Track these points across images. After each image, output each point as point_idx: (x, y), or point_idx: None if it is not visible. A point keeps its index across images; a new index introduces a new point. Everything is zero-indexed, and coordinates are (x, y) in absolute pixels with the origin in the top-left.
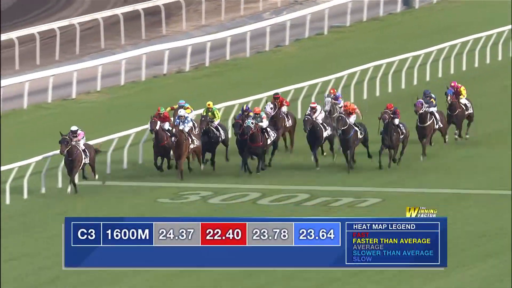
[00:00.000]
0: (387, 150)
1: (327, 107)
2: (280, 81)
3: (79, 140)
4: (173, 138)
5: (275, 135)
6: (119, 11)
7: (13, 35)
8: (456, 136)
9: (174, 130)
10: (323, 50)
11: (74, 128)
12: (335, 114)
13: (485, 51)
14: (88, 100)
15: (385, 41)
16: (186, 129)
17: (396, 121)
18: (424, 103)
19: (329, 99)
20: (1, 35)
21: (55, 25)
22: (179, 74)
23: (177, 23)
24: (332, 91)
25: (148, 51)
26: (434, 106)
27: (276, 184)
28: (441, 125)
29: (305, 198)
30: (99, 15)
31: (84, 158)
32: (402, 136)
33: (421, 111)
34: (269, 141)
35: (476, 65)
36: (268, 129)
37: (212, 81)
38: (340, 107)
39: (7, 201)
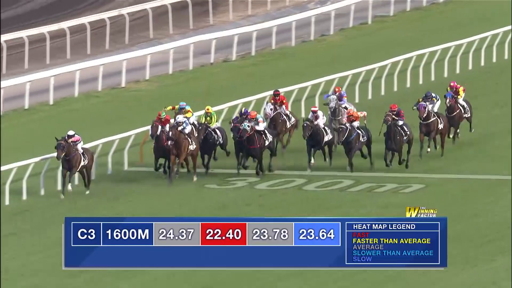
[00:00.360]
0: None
1: (332, 104)
2: (325, 70)
3: (75, 146)
4: (169, 142)
5: (271, 138)
6: (168, 1)
7: (64, 25)
8: (451, 137)
9: (170, 133)
10: (367, 40)
11: (70, 132)
12: (339, 117)
13: None
14: (137, 89)
15: (428, 30)
16: (186, 132)
17: (400, 122)
18: (426, 107)
19: (334, 96)
20: (51, 25)
21: (105, 15)
22: (225, 63)
23: (224, 13)
24: (337, 89)
25: (196, 41)
26: (436, 105)
27: (322, 170)
28: (442, 127)
29: (350, 184)
30: (148, 5)
31: (83, 160)
32: (405, 138)
33: (424, 115)
34: (266, 143)
35: None
36: (266, 131)
37: (258, 70)
38: (344, 107)
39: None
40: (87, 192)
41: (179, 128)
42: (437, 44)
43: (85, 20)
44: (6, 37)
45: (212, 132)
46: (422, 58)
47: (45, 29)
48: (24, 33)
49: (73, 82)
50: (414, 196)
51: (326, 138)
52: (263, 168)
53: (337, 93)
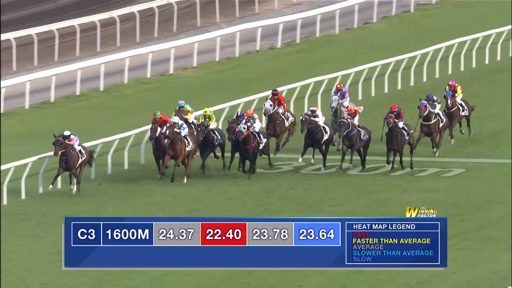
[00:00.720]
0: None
1: (334, 104)
2: (368, 57)
3: (72, 145)
4: (166, 140)
5: (266, 142)
6: None
7: (115, 14)
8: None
9: (168, 131)
10: (409, 27)
11: (67, 133)
12: (341, 117)
13: None
14: (184, 76)
15: (470, 18)
16: (183, 134)
17: (400, 124)
18: (427, 105)
19: (336, 97)
20: (102, 14)
21: (154, 4)
22: (271, 50)
23: (270, 2)
24: (338, 86)
25: (242, 29)
26: (437, 108)
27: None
28: (445, 124)
29: (392, 169)
30: None
31: (80, 158)
32: (407, 139)
33: (424, 114)
34: (260, 146)
35: None
36: (261, 135)
37: (302, 57)
38: (346, 107)
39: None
40: (75, 189)
41: (176, 130)
42: (478, 32)
43: (134, 9)
44: (58, 25)
45: (211, 132)
46: (463, 45)
47: (96, 18)
48: (75, 22)
49: (122, 69)
50: (454, 180)
51: (325, 137)
52: (255, 169)
53: (339, 93)
